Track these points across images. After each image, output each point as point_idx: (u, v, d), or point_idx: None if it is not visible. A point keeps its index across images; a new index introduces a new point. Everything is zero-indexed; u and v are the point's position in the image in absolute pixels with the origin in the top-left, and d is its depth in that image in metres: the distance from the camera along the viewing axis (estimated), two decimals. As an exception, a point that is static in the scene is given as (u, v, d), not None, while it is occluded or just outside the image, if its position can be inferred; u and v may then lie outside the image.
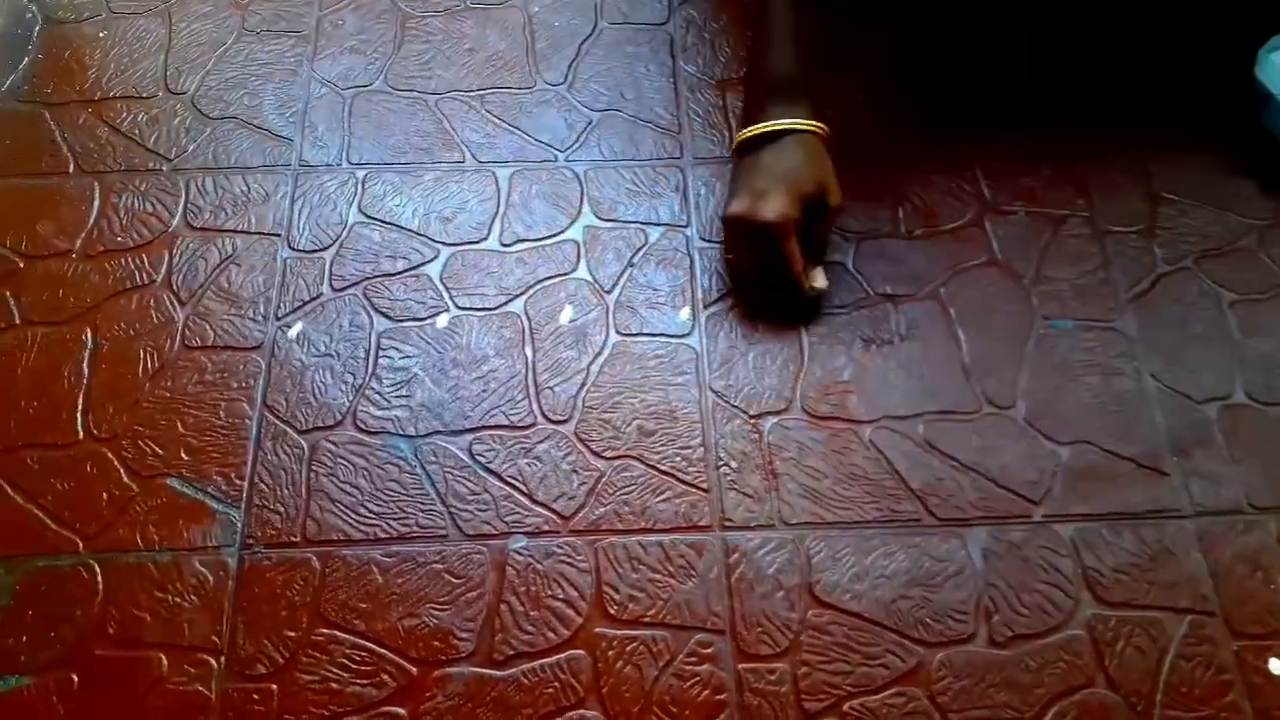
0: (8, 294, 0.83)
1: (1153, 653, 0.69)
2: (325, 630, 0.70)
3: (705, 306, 0.83)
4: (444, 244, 0.86)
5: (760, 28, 0.80)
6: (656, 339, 0.81)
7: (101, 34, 0.98)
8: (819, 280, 0.80)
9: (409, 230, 0.86)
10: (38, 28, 0.99)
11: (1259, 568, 0.72)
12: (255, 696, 0.68)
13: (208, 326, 0.82)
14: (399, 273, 0.84)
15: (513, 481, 0.76)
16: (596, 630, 0.70)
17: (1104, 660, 0.69)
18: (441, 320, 0.82)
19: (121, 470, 0.75)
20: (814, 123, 0.78)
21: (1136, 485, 0.75)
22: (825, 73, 0.93)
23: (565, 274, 0.84)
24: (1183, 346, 0.81)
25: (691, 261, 0.85)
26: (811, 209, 0.77)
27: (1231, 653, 0.69)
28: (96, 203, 0.88)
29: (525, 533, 0.74)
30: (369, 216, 0.87)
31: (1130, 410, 0.78)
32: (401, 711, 0.68)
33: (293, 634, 0.70)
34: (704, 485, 0.75)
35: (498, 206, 0.88)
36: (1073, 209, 0.87)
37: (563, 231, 0.87)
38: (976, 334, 0.81)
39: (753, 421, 0.78)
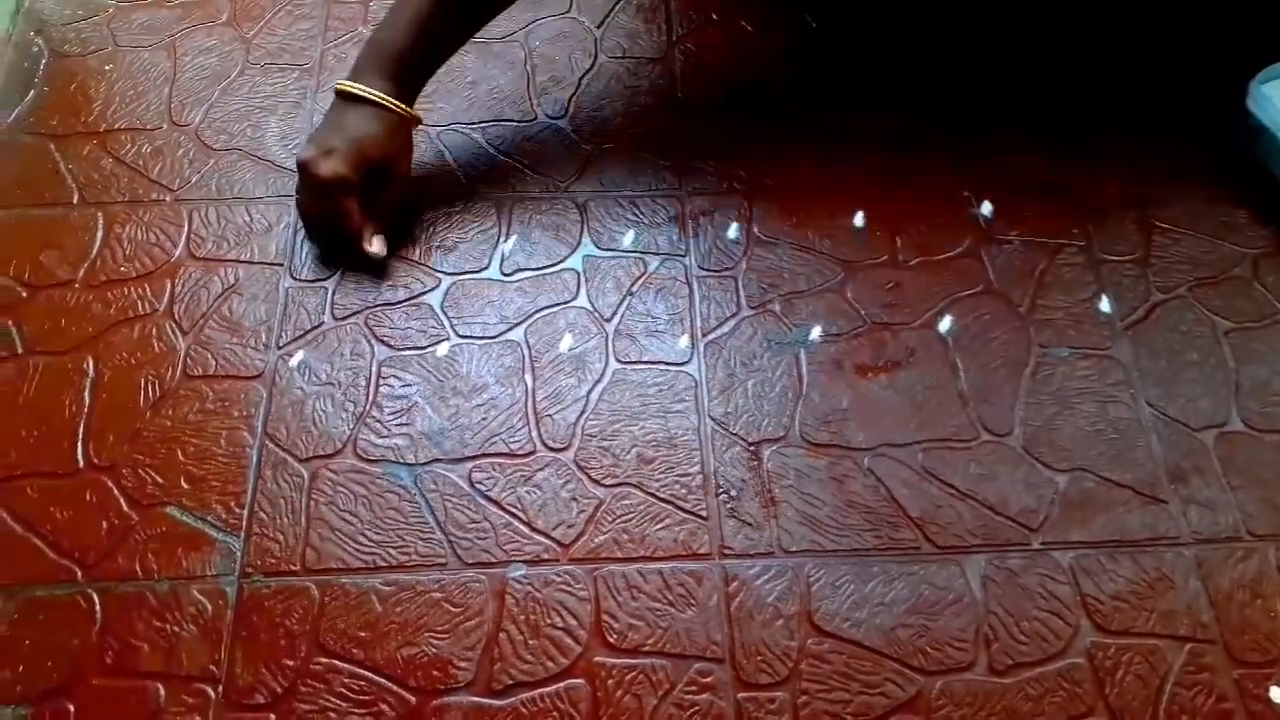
0: (10, 323, 0.83)
1: (1153, 681, 0.69)
2: (324, 659, 0.70)
3: (704, 334, 0.83)
4: (445, 273, 0.86)
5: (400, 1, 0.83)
6: (655, 367, 0.82)
7: (107, 67, 1.00)
8: (376, 245, 0.85)
9: (410, 260, 0.87)
10: (44, 61, 1.00)
11: (1258, 595, 0.72)
12: (253, 726, 0.68)
13: (209, 355, 0.82)
14: (400, 302, 0.85)
15: (512, 509, 0.76)
16: (596, 659, 0.70)
17: (1104, 688, 0.69)
18: (442, 349, 0.83)
19: (121, 499, 0.76)
20: (402, 105, 0.82)
21: (1134, 512, 0.75)
22: (827, 99, 0.95)
23: (565, 303, 0.85)
24: (1178, 374, 0.81)
25: (690, 290, 0.85)
26: (375, 177, 0.83)
27: (1232, 681, 0.69)
28: (100, 233, 0.88)
29: (524, 561, 0.74)
30: (371, 246, 0.87)
31: (1127, 438, 0.78)
32: (400, 741, 0.67)
33: (291, 663, 0.70)
34: (703, 513, 0.75)
35: (498, 236, 0.88)
36: (1068, 238, 0.88)
37: (562, 261, 0.87)
38: (973, 362, 0.82)
39: (752, 449, 0.78)
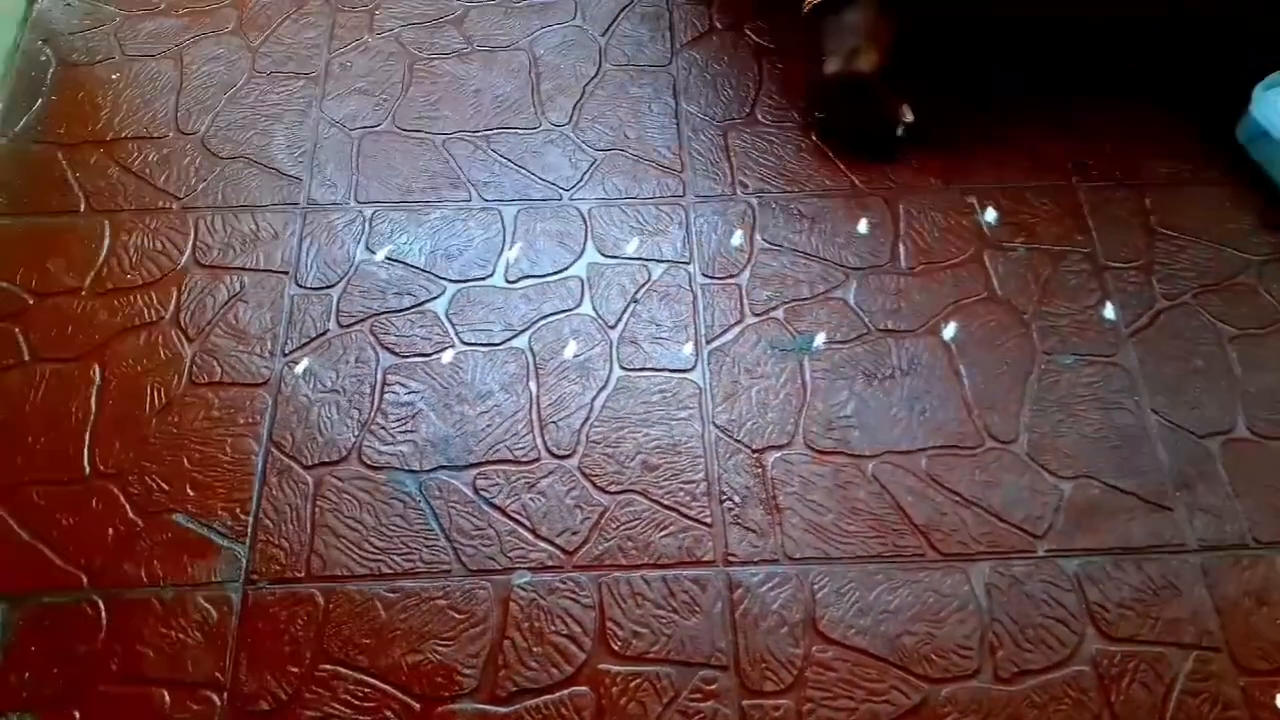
0: (17, 331, 0.84)
1: (1158, 689, 0.69)
2: (329, 666, 0.70)
3: (708, 341, 0.83)
4: (450, 281, 0.87)
5: None
6: (660, 374, 0.82)
7: (114, 76, 1.00)
8: (908, 114, 0.89)
9: (415, 268, 0.87)
10: (52, 70, 1.01)
11: (1264, 603, 0.72)
12: (258, 733, 0.68)
13: (215, 363, 0.82)
14: (405, 309, 0.85)
15: (516, 516, 0.76)
16: (600, 666, 0.70)
17: (1109, 696, 0.69)
18: (447, 356, 0.83)
19: (127, 506, 0.76)
20: None
21: (1139, 520, 0.75)
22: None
23: (569, 310, 0.85)
24: (1184, 381, 0.81)
25: (694, 297, 0.86)
26: (893, 53, 0.86)
27: (1238, 688, 0.69)
28: (107, 241, 0.89)
29: (529, 568, 0.74)
30: (375, 254, 0.88)
31: (1132, 445, 0.78)
32: (404, 748, 0.68)
33: (296, 670, 0.70)
34: (707, 520, 0.75)
35: (503, 244, 0.89)
36: (1072, 245, 0.88)
37: (567, 268, 0.87)
38: (978, 369, 0.82)
39: (756, 456, 0.78)
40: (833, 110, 0.92)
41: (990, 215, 0.89)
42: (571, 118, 0.96)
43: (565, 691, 0.69)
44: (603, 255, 0.88)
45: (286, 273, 0.87)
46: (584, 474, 0.77)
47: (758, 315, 0.84)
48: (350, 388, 0.81)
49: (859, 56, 0.85)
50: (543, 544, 0.75)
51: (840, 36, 0.86)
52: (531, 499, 0.76)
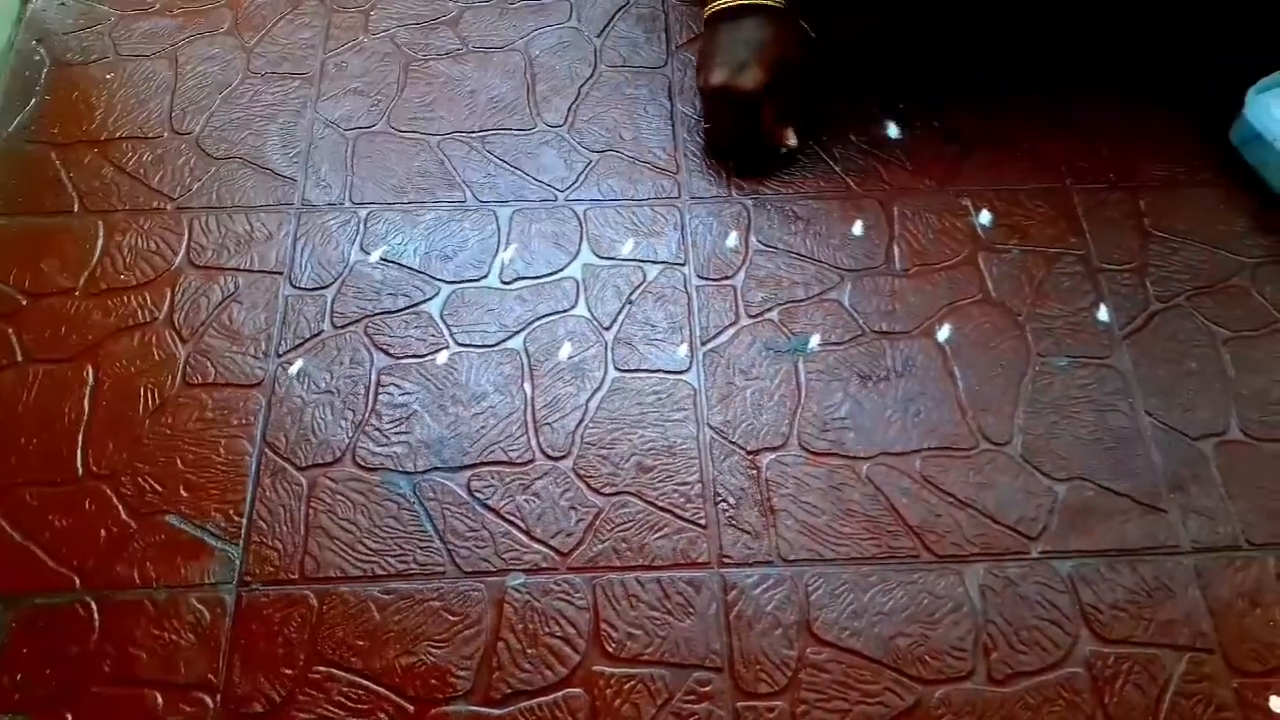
0: (10, 331, 0.84)
1: (1152, 690, 0.69)
2: (322, 668, 0.70)
3: (703, 343, 0.83)
4: (444, 281, 0.87)
5: None
6: (655, 375, 0.82)
7: (108, 76, 1.00)
8: (792, 139, 0.90)
9: (410, 268, 0.87)
10: (46, 70, 1.01)
11: (1257, 604, 0.72)
12: (251, 735, 0.68)
13: (209, 364, 0.82)
14: (400, 310, 0.85)
15: (511, 518, 0.76)
16: (594, 668, 0.70)
17: (1103, 698, 0.69)
18: (441, 357, 0.83)
19: (120, 507, 0.76)
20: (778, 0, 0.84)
21: (1133, 521, 0.75)
22: (826, 109, 0.95)
23: (564, 311, 0.85)
24: (1177, 383, 0.81)
25: (689, 299, 0.86)
26: (782, 74, 0.85)
27: (1231, 690, 0.69)
28: (100, 241, 0.88)
29: (523, 570, 0.74)
30: (370, 255, 0.88)
31: (1126, 447, 0.78)
32: (398, 750, 0.67)
33: (290, 672, 0.70)
34: (702, 522, 0.76)
35: (498, 245, 0.89)
36: (1066, 246, 0.88)
37: (562, 269, 0.87)
38: (972, 371, 0.82)
39: (750, 457, 0.78)
40: (715, 122, 0.91)
41: (984, 217, 0.90)
42: (567, 119, 0.96)
43: (559, 693, 0.69)
44: (598, 256, 0.88)
45: (281, 273, 0.87)
46: (578, 475, 0.77)
47: (753, 317, 0.85)
48: (344, 389, 0.81)
49: (744, 72, 0.84)
50: (537, 546, 0.75)
51: (731, 48, 0.84)
52: (526, 500, 0.76)
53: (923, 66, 0.99)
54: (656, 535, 0.75)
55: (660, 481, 0.77)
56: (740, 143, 0.91)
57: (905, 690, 0.69)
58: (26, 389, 0.81)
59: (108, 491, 0.76)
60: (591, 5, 1.05)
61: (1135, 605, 0.72)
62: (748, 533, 0.75)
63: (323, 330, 0.84)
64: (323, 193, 0.92)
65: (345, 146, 0.94)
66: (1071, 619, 0.72)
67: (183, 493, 0.76)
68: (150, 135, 0.96)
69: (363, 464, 0.78)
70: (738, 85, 0.84)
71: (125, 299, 0.85)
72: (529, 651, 0.71)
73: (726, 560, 0.74)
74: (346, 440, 0.79)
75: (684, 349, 0.83)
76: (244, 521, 0.75)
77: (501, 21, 1.03)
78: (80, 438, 0.79)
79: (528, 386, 0.81)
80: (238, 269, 0.87)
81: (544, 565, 0.74)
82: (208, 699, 0.69)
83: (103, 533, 0.75)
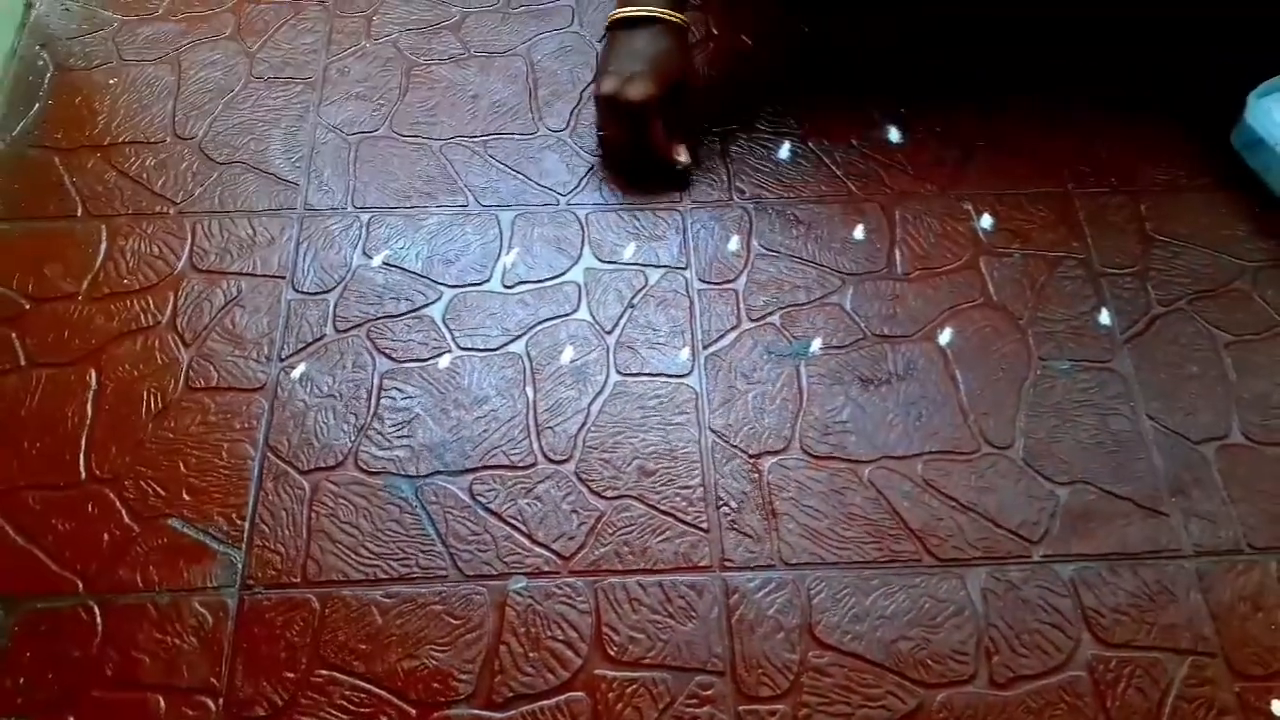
0: (13, 336, 0.84)
1: (1154, 694, 0.69)
2: (325, 672, 0.70)
3: (705, 347, 0.83)
4: (447, 286, 0.87)
5: None
6: (657, 379, 0.82)
7: (112, 81, 1.00)
8: (683, 155, 0.90)
9: (412, 272, 0.87)
10: (49, 75, 1.01)
11: (1259, 608, 0.72)
12: (253, 739, 0.68)
13: (211, 368, 0.82)
14: (402, 314, 0.85)
15: (513, 521, 0.76)
16: (596, 672, 0.70)
17: (1105, 702, 0.69)
18: (443, 361, 0.83)
19: (123, 511, 0.76)
20: (678, 14, 0.85)
21: (1135, 525, 0.75)
22: (827, 113, 0.95)
23: (566, 315, 0.85)
24: (1179, 387, 0.81)
25: (691, 303, 0.86)
26: (674, 90, 0.86)
27: (1233, 694, 0.69)
28: (103, 246, 0.89)
29: (525, 573, 0.74)
30: (372, 259, 0.88)
31: (1128, 450, 0.78)
32: (400, 754, 0.67)
33: (292, 675, 0.70)
34: (704, 525, 0.76)
35: (500, 249, 0.89)
36: (1068, 250, 0.88)
37: (564, 273, 0.88)
38: (974, 374, 0.82)
39: (752, 461, 0.78)
40: (608, 131, 0.91)
41: (986, 221, 0.90)
42: (569, 123, 0.97)
43: (561, 697, 0.69)
44: (600, 261, 0.88)
45: (283, 278, 0.87)
46: (580, 479, 0.77)
47: (754, 320, 0.85)
48: (347, 393, 0.81)
49: (633, 83, 0.83)
50: (539, 549, 0.75)
51: (625, 58, 0.84)
52: (528, 504, 0.76)
53: (924, 69, 0.99)
54: (658, 539, 0.75)
55: (662, 485, 0.77)
56: (633, 153, 0.91)
57: (907, 694, 0.69)
58: (29, 393, 0.81)
59: (110, 495, 0.76)
60: (593, 10, 1.05)
61: (1137, 609, 0.72)
62: (749, 536, 0.75)
63: (325, 334, 0.84)
64: (325, 197, 0.92)
65: (348, 151, 0.95)
66: (1073, 623, 0.72)
67: (185, 496, 0.76)
68: (153, 140, 0.96)
69: (365, 468, 0.78)
70: (624, 96, 0.84)
71: (128, 303, 0.86)
72: (531, 655, 0.71)
73: (728, 564, 0.74)
74: (349, 444, 0.79)
75: (686, 353, 0.83)
76: (246, 525, 0.75)
77: (503, 26, 1.04)
78: (83, 442, 0.79)
79: (530, 390, 0.81)
80: (240, 273, 0.87)
81: (546, 569, 0.74)
82: (210, 703, 0.69)
83: (105, 536, 0.75)
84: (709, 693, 0.69)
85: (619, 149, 0.92)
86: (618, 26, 0.86)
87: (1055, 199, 0.91)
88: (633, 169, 0.92)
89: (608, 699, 0.69)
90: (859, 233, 0.89)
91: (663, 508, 0.76)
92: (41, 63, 1.02)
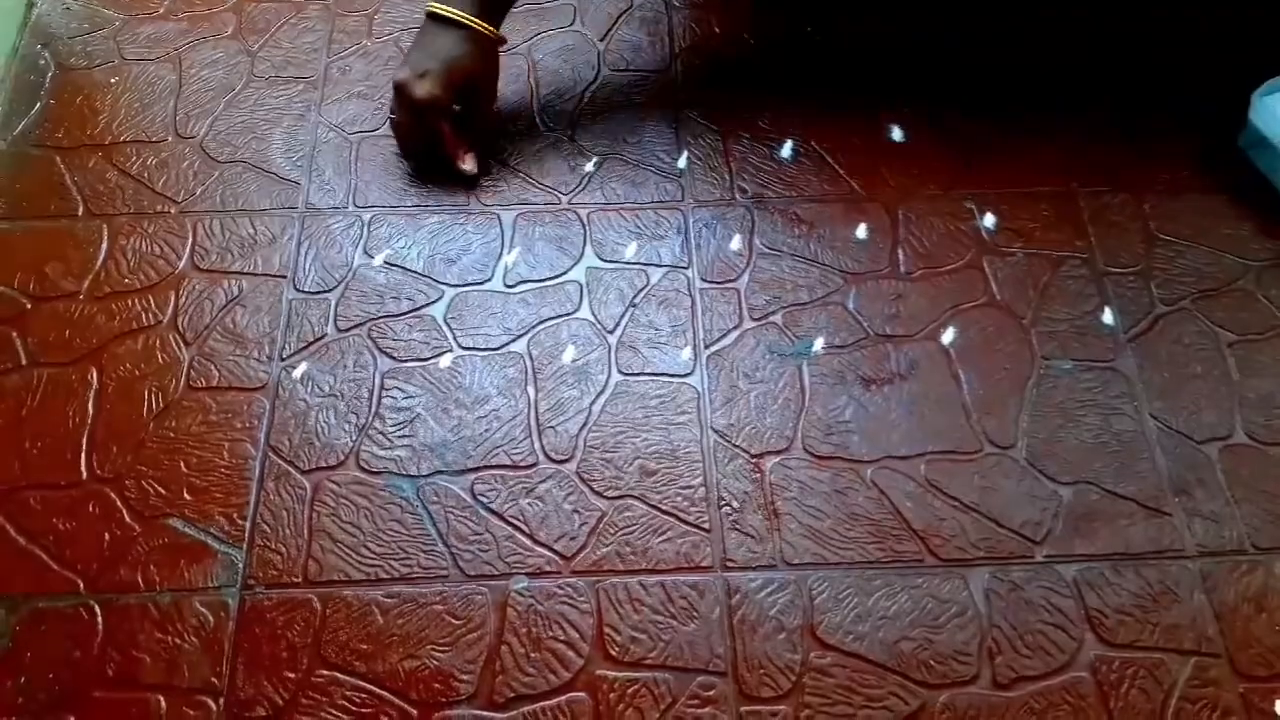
0: (15, 335, 0.84)
1: (1157, 695, 0.69)
2: (326, 672, 0.70)
3: (707, 346, 0.83)
4: (448, 285, 0.87)
5: None
6: (658, 379, 0.82)
7: (113, 80, 1.00)
8: (469, 164, 0.90)
9: (414, 272, 0.87)
10: (51, 74, 1.01)
11: (1263, 609, 0.72)
12: (254, 739, 0.68)
13: (212, 367, 0.82)
14: (403, 313, 0.85)
15: (514, 521, 0.76)
16: (598, 672, 0.70)
17: (1109, 702, 0.68)
18: (445, 360, 0.83)
19: (124, 510, 0.76)
20: (489, 27, 0.86)
21: (1138, 525, 0.75)
22: (830, 112, 0.95)
23: (568, 314, 0.85)
24: (1182, 386, 0.81)
25: (693, 302, 0.85)
26: (466, 98, 0.88)
27: (1237, 695, 0.69)
28: (105, 245, 0.89)
29: (527, 573, 0.74)
30: (374, 258, 0.88)
31: (1131, 450, 0.78)
32: (401, 754, 0.67)
33: (293, 675, 0.70)
34: (706, 525, 0.75)
35: (501, 248, 0.89)
36: (1071, 250, 0.88)
37: (565, 273, 0.87)
38: (976, 374, 0.82)
39: (754, 461, 0.78)
40: (397, 116, 0.90)
41: (989, 220, 0.89)
42: (570, 122, 0.96)
43: (563, 697, 0.69)
44: (601, 260, 0.88)
45: (285, 277, 0.87)
46: (582, 479, 0.77)
47: (756, 320, 0.84)
48: (348, 392, 0.81)
49: (422, 80, 0.84)
50: (540, 549, 0.74)
51: (423, 54, 0.85)
52: (529, 504, 0.76)
53: (926, 69, 0.99)
54: (660, 539, 0.75)
55: (664, 485, 0.77)
56: (420, 145, 0.91)
57: (909, 695, 0.69)
58: (31, 392, 0.81)
59: (111, 495, 0.76)
60: (594, 9, 1.05)
61: (1140, 609, 0.72)
62: (751, 536, 0.75)
63: (326, 334, 0.84)
64: (326, 196, 0.92)
65: (349, 150, 0.95)
66: (1076, 623, 0.71)
67: (186, 496, 0.76)
68: (154, 139, 0.96)
69: (366, 467, 0.78)
70: (410, 90, 0.85)
71: (129, 302, 0.85)
72: (532, 655, 0.70)
73: (730, 564, 0.74)
74: (350, 444, 0.79)
75: (687, 352, 0.83)
76: (247, 525, 0.75)
77: (505, 26, 1.03)
78: (84, 441, 0.79)
79: (531, 390, 0.81)
80: (241, 272, 0.87)
81: (547, 569, 0.74)
82: (211, 703, 0.69)
83: (106, 536, 0.75)
84: (711, 693, 0.69)
85: (405, 137, 0.91)
86: (432, 19, 0.86)
87: (1059, 198, 0.91)
88: (422, 160, 0.93)
89: (609, 699, 0.69)
90: (861, 232, 0.89)
91: (664, 508, 0.76)
92: (43, 62, 1.02)
